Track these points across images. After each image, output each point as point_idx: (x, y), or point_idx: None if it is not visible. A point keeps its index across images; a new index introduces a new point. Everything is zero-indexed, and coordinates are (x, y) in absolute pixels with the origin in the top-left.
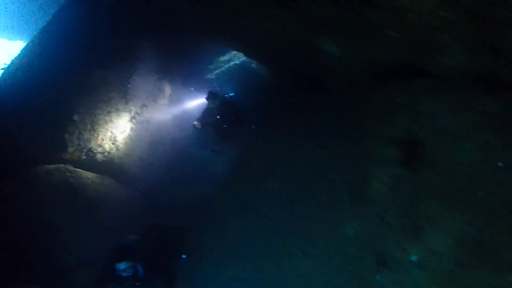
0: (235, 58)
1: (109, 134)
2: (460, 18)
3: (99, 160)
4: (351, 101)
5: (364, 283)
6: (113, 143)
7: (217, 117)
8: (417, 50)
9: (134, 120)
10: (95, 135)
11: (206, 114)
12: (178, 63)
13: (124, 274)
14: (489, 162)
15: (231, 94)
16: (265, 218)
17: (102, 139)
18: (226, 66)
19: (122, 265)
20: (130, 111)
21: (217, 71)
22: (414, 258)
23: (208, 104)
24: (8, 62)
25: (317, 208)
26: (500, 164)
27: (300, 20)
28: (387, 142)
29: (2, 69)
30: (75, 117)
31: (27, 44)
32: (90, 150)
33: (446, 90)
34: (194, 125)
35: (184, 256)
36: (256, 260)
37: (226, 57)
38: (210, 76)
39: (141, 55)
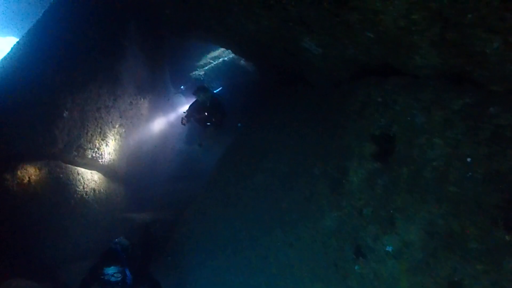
0: (223, 54)
1: (99, 130)
2: (430, 21)
3: (89, 156)
4: (333, 98)
5: (343, 272)
6: (102, 139)
7: (205, 113)
8: (392, 50)
9: (123, 117)
10: (85, 131)
11: (194, 109)
12: (166, 60)
13: (112, 279)
14: (458, 158)
15: (218, 89)
16: (250, 211)
17: (92, 135)
18: (215, 62)
19: (111, 270)
20: (119, 107)
21: (206, 68)
22: (389, 248)
23: (197, 97)
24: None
25: (299, 201)
26: (468, 159)
27: (283, 20)
28: (365, 138)
29: None
30: (65, 114)
31: (18, 41)
32: (80, 146)
33: (418, 88)
34: (181, 120)
35: (169, 257)
36: (241, 252)
37: (215, 54)
38: (199, 72)
39: (128, 52)
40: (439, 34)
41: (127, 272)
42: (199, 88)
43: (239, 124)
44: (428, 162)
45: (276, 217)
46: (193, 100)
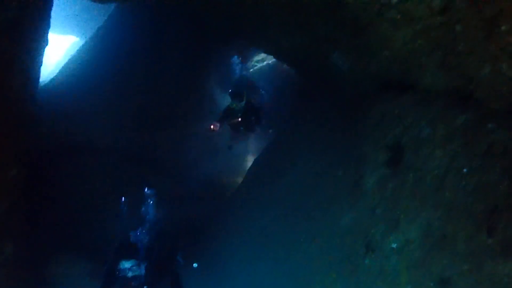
0: (268, 58)
1: None
2: (432, 46)
3: None
4: (357, 109)
5: (354, 265)
6: None
7: (239, 119)
8: (406, 69)
9: None
10: None
11: (227, 115)
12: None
13: (129, 273)
14: (455, 168)
15: (258, 93)
16: (280, 207)
17: None
18: (259, 65)
19: (127, 264)
20: None
21: (251, 70)
22: (394, 245)
23: (231, 105)
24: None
25: (323, 199)
26: (465, 170)
27: (313, 38)
28: (380, 147)
29: None
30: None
31: (83, 44)
32: None
33: (427, 104)
34: (211, 126)
35: (195, 265)
36: (268, 244)
37: (260, 57)
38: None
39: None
40: (442, 58)
41: (143, 267)
42: (236, 94)
43: (270, 131)
44: (430, 171)
45: (303, 214)
46: None
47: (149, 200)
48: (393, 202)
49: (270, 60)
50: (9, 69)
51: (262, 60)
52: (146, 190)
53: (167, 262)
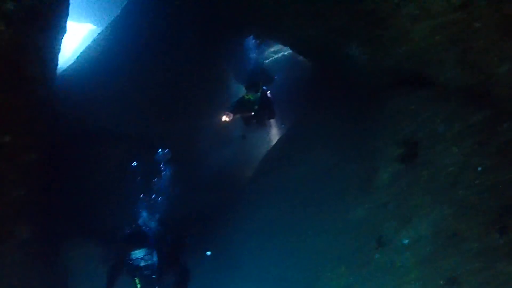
0: (284, 48)
1: None
2: (451, 43)
3: None
4: (373, 102)
5: (365, 259)
6: None
7: (252, 112)
8: (423, 64)
9: None
10: None
11: (241, 107)
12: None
13: (142, 263)
14: (470, 166)
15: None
16: (293, 198)
17: None
18: (275, 56)
19: (139, 253)
20: None
21: (267, 61)
22: (405, 241)
23: (245, 96)
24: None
25: (336, 192)
26: (479, 168)
27: (330, 29)
28: (395, 142)
29: None
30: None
31: (99, 33)
32: None
33: (443, 100)
34: (224, 116)
35: (208, 252)
36: (281, 233)
37: (276, 48)
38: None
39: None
40: (461, 54)
41: (155, 256)
42: (251, 85)
43: (283, 125)
44: (444, 168)
45: (315, 205)
46: None
47: (162, 167)
48: (406, 198)
49: (286, 51)
50: (29, 56)
51: (278, 51)
52: (159, 152)
53: (177, 250)
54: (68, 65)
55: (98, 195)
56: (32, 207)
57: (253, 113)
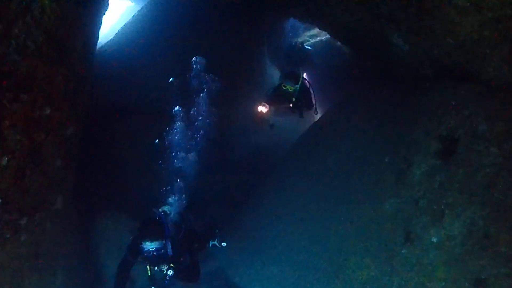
0: (322, 33)
1: None
2: (499, 39)
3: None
4: (412, 94)
5: (391, 253)
6: None
7: (290, 104)
8: (469, 58)
9: None
10: None
11: (277, 98)
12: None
13: (155, 253)
14: (508, 169)
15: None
16: (321, 186)
17: None
18: (312, 40)
19: (152, 246)
20: None
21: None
22: (434, 239)
23: (283, 86)
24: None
25: (366, 184)
26: None
27: (375, 16)
28: (433, 136)
29: None
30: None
31: (139, 10)
32: None
33: (487, 98)
34: (260, 107)
35: (224, 244)
36: (307, 220)
37: (313, 32)
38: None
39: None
40: (508, 51)
41: (169, 246)
42: (290, 74)
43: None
44: (482, 168)
45: (344, 195)
46: None
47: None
48: (439, 195)
49: (324, 36)
50: (73, 31)
51: (315, 36)
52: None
53: (193, 242)
54: (106, 41)
55: (130, 171)
56: (67, 179)
57: (290, 105)
